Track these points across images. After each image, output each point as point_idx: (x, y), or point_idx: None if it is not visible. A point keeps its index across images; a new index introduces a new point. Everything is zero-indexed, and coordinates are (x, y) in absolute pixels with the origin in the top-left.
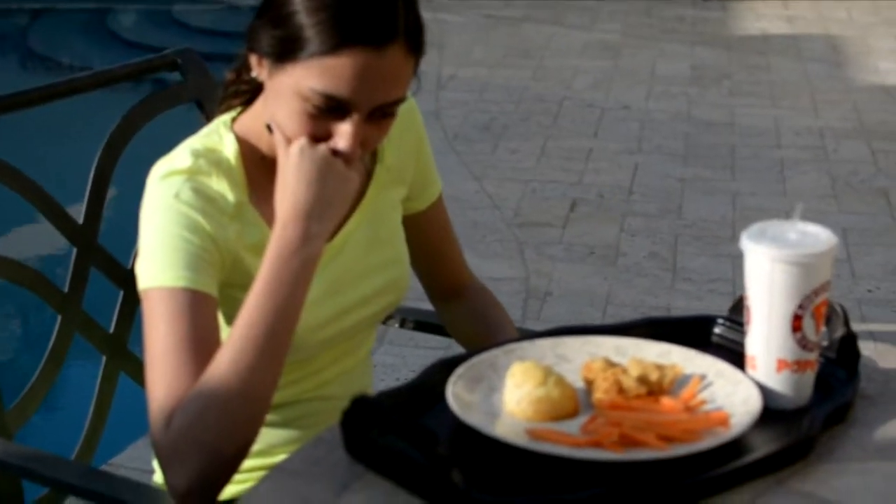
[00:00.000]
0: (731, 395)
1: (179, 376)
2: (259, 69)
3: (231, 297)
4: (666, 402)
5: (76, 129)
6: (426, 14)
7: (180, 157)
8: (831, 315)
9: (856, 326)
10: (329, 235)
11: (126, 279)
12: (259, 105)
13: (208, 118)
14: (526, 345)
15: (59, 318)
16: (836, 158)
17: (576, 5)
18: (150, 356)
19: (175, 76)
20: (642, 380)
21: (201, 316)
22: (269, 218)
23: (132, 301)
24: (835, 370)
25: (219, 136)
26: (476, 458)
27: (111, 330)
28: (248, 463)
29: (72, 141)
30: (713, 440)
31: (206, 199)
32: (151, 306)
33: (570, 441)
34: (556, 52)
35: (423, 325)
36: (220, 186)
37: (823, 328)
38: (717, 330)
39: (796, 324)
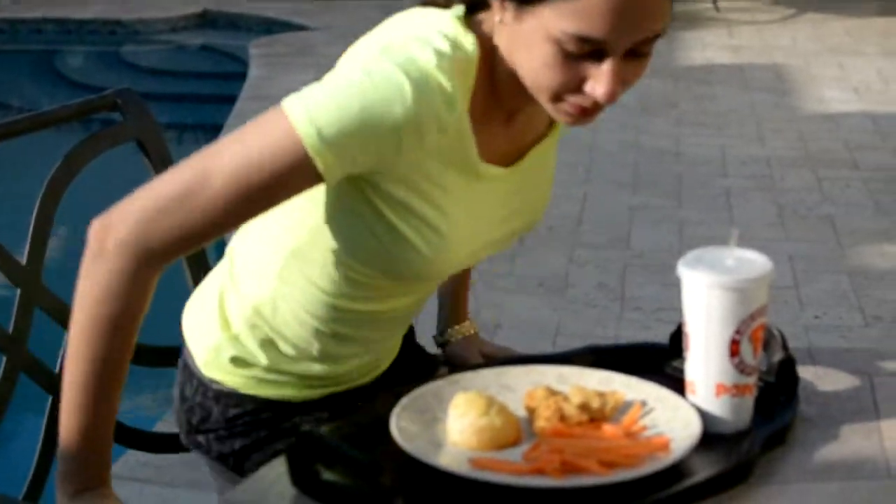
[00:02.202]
0: (671, 420)
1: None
2: (502, 13)
3: (362, 190)
4: (607, 428)
5: (18, 169)
6: None
7: (422, 50)
8: (770, 339)
9: (795, 348)
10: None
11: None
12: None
13: (150, 158)
14: (470, 375)
15: (4, 358)
16: (782, 187)
17: None
18: (196, 162)
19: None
20: (584, 407)
21: (279, 185)
22: (481, 143)
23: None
24: (774, 394)
25: (458, 37)
26: (420, 488)
27: (56, 370)
28: (316, 368)
29: (14, 181)
30: (654, 465)
31: (426, 105)
32: (261, 122)
33: (512, 469)
34: None
35: None
36: (446, 96)
37: (762, 352)
38: (656, 356)
39: (734, 348)
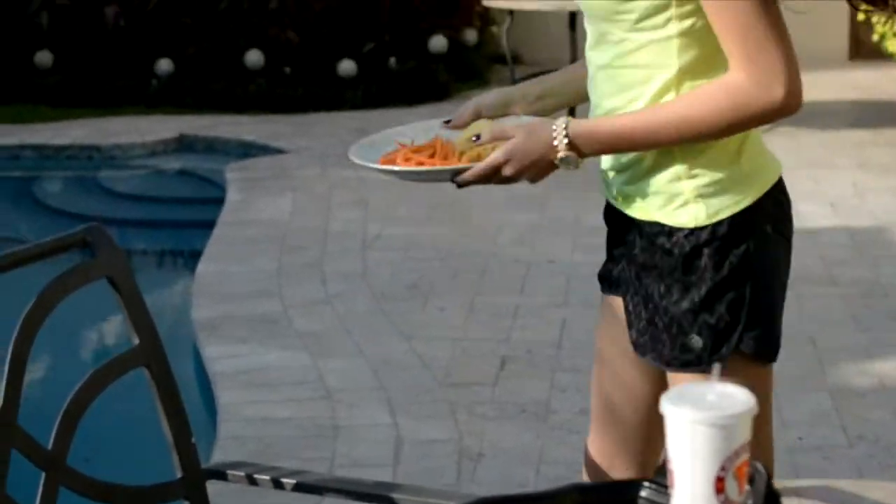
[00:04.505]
0: None
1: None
2: None
3: None
4: None
5: None
6: (349, 173)
7: None
8: (754, 475)
9: (782, 483)
10: None
11: (49, 459)
12: None
13: (121, 294)
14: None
15: None
16: None
17: None
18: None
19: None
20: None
21: None
22: None
23: (53, 484)
24: None
25: None
26: None
27: None
28: None
29: None
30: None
31: None
32: None
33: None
34: (480, 206)
35: None
36: None
37: (747, 488)
38: (643, 493)
39: (719, 485)
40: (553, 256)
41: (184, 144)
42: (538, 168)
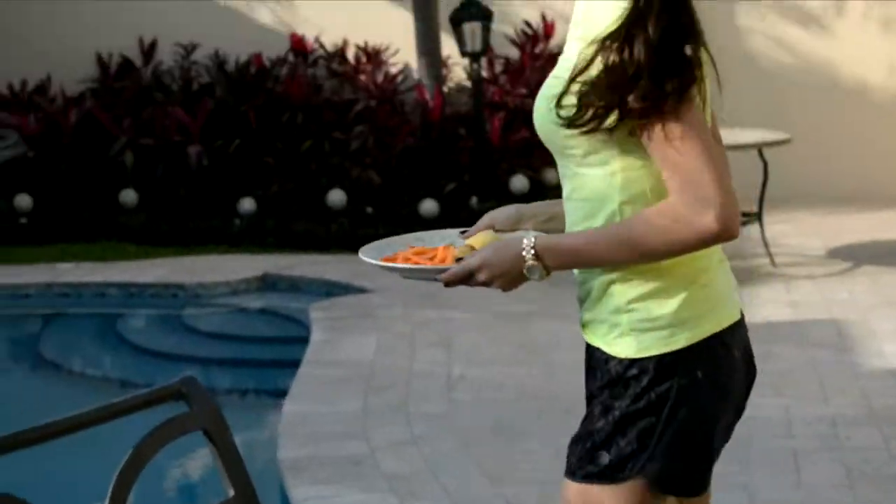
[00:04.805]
0: None
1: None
2: None
3: None
4: None
5: (86, 458)
6: (432, 313)
7: None
8: None
9: None
10: None
11: None
12: None
13: (216, 446)
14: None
15: None
16: (849, 446)
17: None
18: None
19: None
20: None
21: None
22: None
23: None
24: None
25: None
26: None
27: None
28: None
29: (83, 470)
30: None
31: None
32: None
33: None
34: (565, 347)
35: None
36: None
37: None
38: None
39: None
40: None
41: (267, 283)
42: (509, 276)
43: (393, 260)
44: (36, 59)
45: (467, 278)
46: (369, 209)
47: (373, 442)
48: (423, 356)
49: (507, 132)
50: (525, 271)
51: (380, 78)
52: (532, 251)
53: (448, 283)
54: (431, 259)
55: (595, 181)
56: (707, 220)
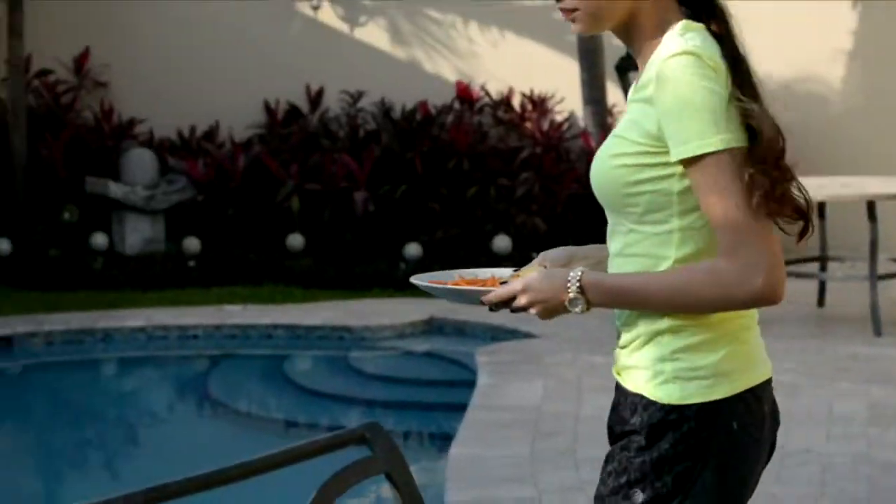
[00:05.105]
0: None
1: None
2: None
3: None
4: None
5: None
6: (599, 358)
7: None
8: None
9: None
10: None
11: None
12: None
13: (399, 490)
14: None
15: None
16: None
17: None
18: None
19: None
20: None
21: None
22: None
23: None
24: None
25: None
26: None
27: None
28: None
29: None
30: None
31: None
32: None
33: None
34: None
35: None
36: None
37: None
38: None
39: None
40: (808, 445)
41: (433, 327)
42: (550, 304)
43: (442, 284)
44: (205, 105)
45: (509, 301)
46: (534, 255)
47: (540, 486)
48: (591, 401)
49: None
50: (567, 303)
51: (545, 125)
52: (577, 283)
53: (491, 306)
54: (480, 286)
55: (651, 238)
56: (756, 286)
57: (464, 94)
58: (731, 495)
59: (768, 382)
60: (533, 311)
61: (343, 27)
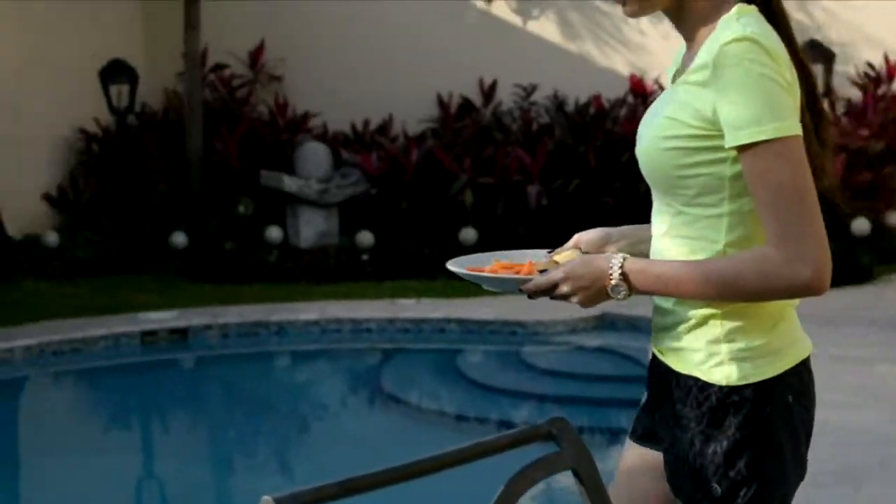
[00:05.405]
0: None
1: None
2: None
3: None
4: None
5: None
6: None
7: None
8: None
9: None
10: None
11: None
12: None
13: (584, 486)
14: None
15: None
16: None
17: None
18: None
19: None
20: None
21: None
22: None
23: None
24: None
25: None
26: None
27: None
28: None
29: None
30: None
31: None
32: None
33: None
34: None
35: None
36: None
37: None
38: None
39: None
40: None
41: (605, 322)
42: (591, 291)
43: (479, 271)
44: (378, 99)
45: (551, 289)
46: None
47: None
48: None
49: (848, 174)
50: (609, 290)
51: None
52: (620, 270)
53: (531, 294)
54: (517, 273)
55: (701, 221)
56: (803, 278)
57: (637, 87)
58: (797, 467)
59: (810, 355)
60: (574, 299)
61: (516, 20)
